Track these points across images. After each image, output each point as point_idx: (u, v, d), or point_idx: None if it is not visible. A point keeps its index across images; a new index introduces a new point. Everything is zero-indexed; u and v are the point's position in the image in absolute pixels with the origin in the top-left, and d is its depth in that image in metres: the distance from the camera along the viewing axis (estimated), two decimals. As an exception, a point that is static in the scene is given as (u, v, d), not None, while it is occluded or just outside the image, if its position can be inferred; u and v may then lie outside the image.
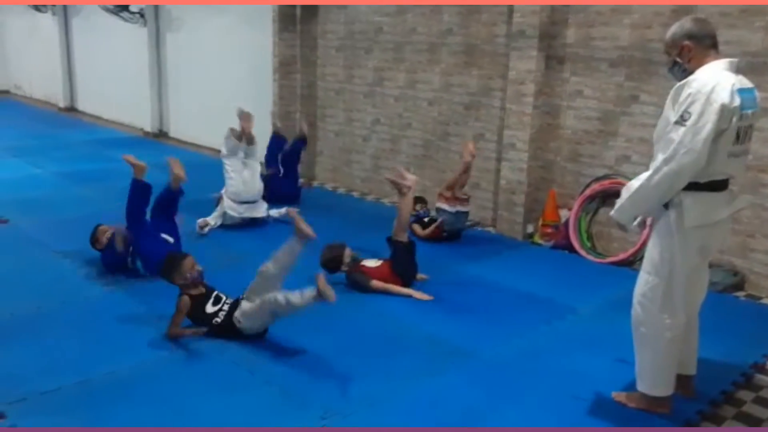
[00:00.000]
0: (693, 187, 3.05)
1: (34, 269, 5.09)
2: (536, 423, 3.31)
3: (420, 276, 5.06)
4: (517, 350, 4.07)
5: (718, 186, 3.10)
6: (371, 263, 4.99)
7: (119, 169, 8.79)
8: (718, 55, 3.11)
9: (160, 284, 4.61)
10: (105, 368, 3.66)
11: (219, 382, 3.59)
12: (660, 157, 3.00)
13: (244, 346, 3.96)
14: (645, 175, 3.07)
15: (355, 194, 8.08)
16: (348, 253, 4.94)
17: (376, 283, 4.83)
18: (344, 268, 4.93)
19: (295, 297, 3.77)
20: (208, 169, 8.99)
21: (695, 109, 2.90)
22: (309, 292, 3.73)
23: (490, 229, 6.64)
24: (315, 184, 8.50)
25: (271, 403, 3.41)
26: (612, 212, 3.27)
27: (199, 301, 4.09)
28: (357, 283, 4.88)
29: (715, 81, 2.94)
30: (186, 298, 4.06)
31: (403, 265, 4.93)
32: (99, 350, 3.89)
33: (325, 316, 4.46)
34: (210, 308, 4.08)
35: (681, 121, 2.93)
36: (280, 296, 3.80)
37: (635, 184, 3.13)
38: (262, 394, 3.50)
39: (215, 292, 4.17)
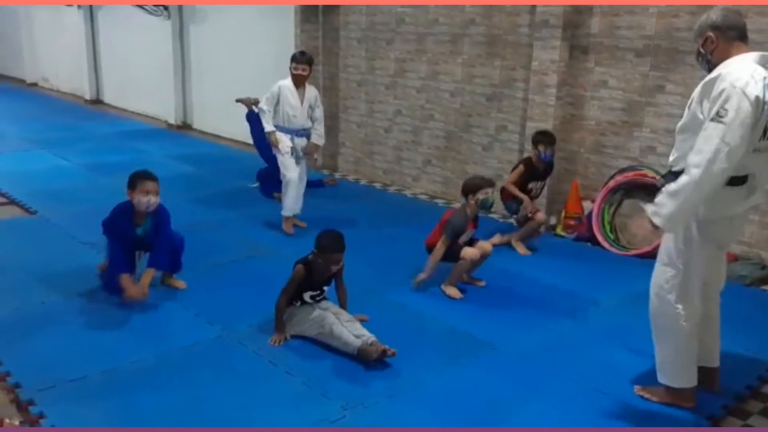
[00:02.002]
0: None
1: (62, 260, 5.17)
2: (559, 416, 3.30)
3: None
4: (539, 343, 4.05)
5: (737, 181, 3.02)
6: (467, 236, 4.81)
7: (145, 160, 8.94)
8: (746, 48, 3.04)
9: (185, 276, 4.69)
10: (130, 357, 3.71)
11: (242, 373, 3.62)
12: (701, 157, 2.85)
13: (266, 337, 4.00)
14: (687, 180, 2.88)
15: (378, 185, 8.09)
16: (487, 192, 4.71)
17: (440, 252, 4.66)
18: (471, 199, 4.73)
19: (346, 338, 3.77)
20: (231, 161, 9.10)
21: (732, 105, 2.82)
22: (355, 344, 3.72)
23: (512, 220, 6.60)
24: (337, 175, 8.52)
25: (293, 394, 3.44)
26: (659, 222, 3.01)
27: (309, 282, 3.97)
28: (452, 222, 4.69)
29: (749, 75, 2.87)
30: (301, 267, 3.94)
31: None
32: (125, 339, 3.94)
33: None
34: (307, 297, 4.01)
35: (718, 118, 2.83)
36: (336, 328, 3.82)
37: (680, 190, 2.91)
38: (284, 384, 3.53)
39: (324, 293, 4.08)
